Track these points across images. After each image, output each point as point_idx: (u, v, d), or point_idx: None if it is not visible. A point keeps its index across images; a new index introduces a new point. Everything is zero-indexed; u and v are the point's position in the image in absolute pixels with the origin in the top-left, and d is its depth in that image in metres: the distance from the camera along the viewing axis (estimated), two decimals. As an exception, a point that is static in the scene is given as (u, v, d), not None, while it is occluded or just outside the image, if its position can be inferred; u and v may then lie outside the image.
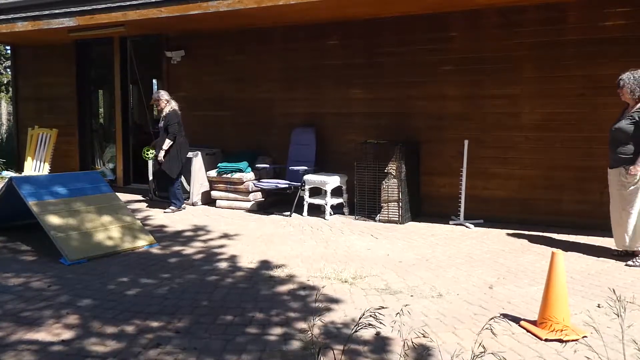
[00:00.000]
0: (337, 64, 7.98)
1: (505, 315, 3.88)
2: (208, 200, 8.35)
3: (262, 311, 3.97)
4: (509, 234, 6.34)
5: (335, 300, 4.19)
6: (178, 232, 6.57)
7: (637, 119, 5.05)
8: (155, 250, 5.73)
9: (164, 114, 7.61)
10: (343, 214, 7.58)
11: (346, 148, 7.68)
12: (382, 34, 7.60)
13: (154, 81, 13.00)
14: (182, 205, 7.75)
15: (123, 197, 7.81)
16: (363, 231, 6.59)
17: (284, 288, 4.49)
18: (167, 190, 7.75)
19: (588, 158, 6.46)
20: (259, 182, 7.80)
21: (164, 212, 7.59)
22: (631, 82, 5.08)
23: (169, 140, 7.46)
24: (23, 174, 9.63)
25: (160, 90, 8.09)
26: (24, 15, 8.98)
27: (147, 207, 8.05)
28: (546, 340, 3.47)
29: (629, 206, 5.11)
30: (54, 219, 5.49)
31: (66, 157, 10.40)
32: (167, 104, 7.65)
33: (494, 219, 6.90)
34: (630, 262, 5.13)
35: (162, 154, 7.46)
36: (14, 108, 11.67)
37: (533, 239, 6.08)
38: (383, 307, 2.71)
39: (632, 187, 5.06)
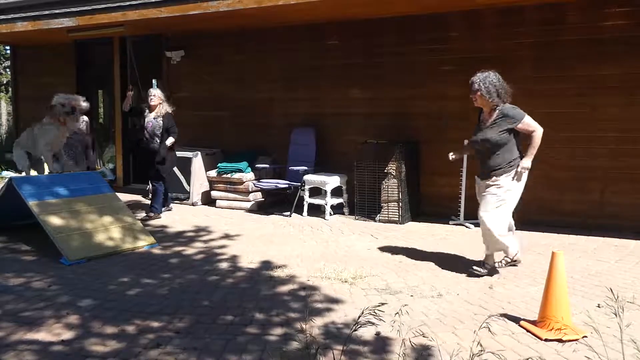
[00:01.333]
0: (337, 64, 7.97)
1: (505, 315, 3.88)
2: (208, 200, 8.35)
3: (263, 311, 3.97)
4: (508, 234, 6.34)
5: (336, 300, 4.20)
6: (178, 232, 6.58)
7: (509, 126, 4.63)
8: (155, 250, 5.73)
9: (157, 114, 7.34)
10: (343, 214, 7.58)
11: (346, 148, 7.67)
12: (382, 34, 7.60)
13: (154, 81, 12.98)
14: (162, 211, 7.51)
15: (123, 197, 7.80)
16: (363, 231, 6.59)
17: (284, 288, 4.49)
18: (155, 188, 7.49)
19: (588, 158, 6.46)
20: (259, 182, 7.80)
21: (141, 217, 7.17)
22: (484, 85, 4.64)
23: (173, 139, 7.37)
24: (23, 174, 9.61)
25: (159, 89, 7.84)
26: (23, 15, 8.97)
27: (147, 207, 8.04)
28: (546, 340, 3.47)
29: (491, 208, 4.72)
30: (54, 220, 5.49)
31: (66, 157, 10.40)
32: (162, 104, 7.40)
33: (493, 218, 6.89)
34: (475, 268, 4.83)
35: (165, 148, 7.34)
36: (14, 108, 11.67)
37: (533, 239, 6.08)
38: (383, 304, 2.71)
39: (500, 189, 4.69)
